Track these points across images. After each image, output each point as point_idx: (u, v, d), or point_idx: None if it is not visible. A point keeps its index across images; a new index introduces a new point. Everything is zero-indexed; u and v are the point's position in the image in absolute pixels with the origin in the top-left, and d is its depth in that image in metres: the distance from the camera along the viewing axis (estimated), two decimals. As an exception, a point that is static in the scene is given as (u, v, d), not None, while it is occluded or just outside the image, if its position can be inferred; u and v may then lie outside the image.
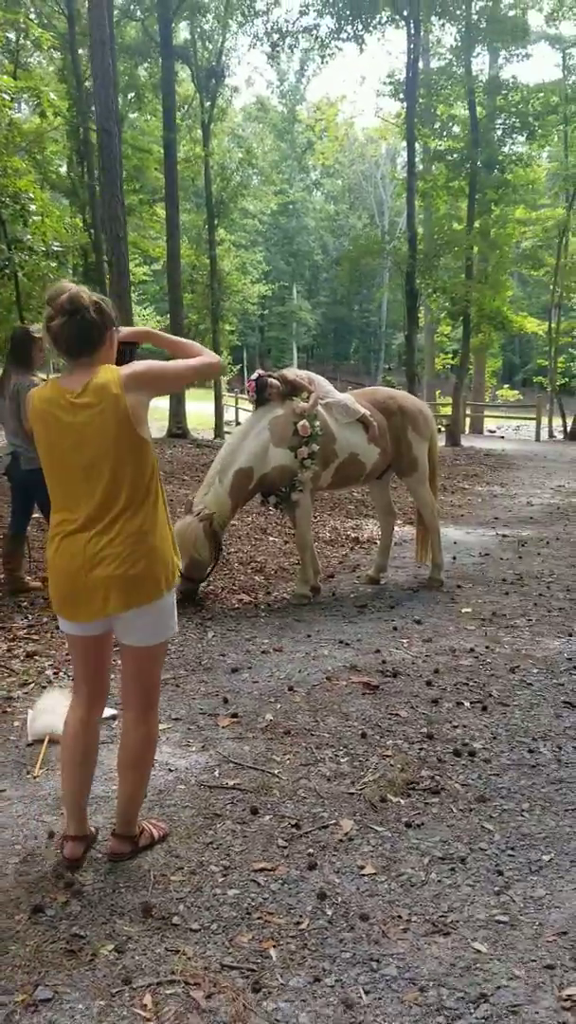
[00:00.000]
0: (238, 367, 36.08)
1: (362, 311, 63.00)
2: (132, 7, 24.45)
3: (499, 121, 22.08)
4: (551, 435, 27.18)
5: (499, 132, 22.36)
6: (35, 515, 6.50)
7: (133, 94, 25.71)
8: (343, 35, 21.25)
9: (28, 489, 6.09)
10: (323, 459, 6.23)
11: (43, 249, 17.76)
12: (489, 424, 32.74)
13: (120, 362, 2.90)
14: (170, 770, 3.67)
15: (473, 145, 20.94)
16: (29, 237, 14.85)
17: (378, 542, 7.44)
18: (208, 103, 25.26)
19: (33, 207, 16.34)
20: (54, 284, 2.84)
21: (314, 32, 21.75)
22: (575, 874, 2.99)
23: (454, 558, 7.99)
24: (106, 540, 2.73)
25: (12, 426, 6.10)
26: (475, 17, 20.76)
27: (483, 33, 21.08)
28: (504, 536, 9.19)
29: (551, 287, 28.76)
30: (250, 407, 6.62)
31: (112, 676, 4.73)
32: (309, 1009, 2.32)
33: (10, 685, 4.68)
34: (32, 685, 4.67)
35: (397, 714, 4.31)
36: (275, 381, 6.19)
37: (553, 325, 28.35)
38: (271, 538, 8.89)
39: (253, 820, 3.28)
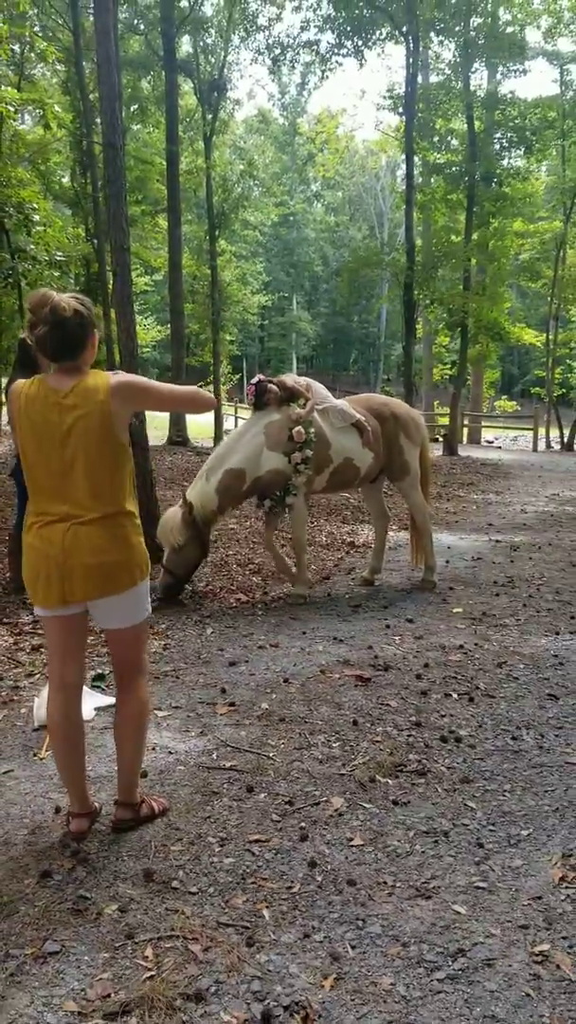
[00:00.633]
0: (238, 376, 36.32)
1: (361, 322, 63.38)
2: (136, 21, 24.78)
3: (497, 135, 22.39)
4: (548, 446, 27.42)
5: (497, 146, 22.66)
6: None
7: (136, 107, 26.06)
8: (343, 50, 21.58)
9: None
10: (318, 464, 6.43)
11: (46, 258, 18.02)
12: (487, 435, 33.00)
13: None
14: (170, 753, 3.85)
15: (471, 159, 21.22)
16: (32, 247, 15.12)
17: (372, 545, 7.62)
18: (210, 116, 25.56)
19: (36, 217, 16.59)
20: (35, 291, 2.99)
21: (315, 47, 22.07)
22: (551, 847, 3.17)
23: (447, 562, 8.18)
24: (84, 532, 2.89)
25: None
26: (473, 34, 21.08)
27: (481, 49, 21.39)
28: (497, 541, 9.38)
29: (549, 299, 29.05)
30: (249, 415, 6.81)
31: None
32: (299, 961, 2.51)
33: (17, 676, 4.87)
34: (38, 675, 4.86)
35: (387, 704, 4.50)
36: (274, 387, 6.40)
37: (551, 336, 28.62)
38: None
39: (249, 797, 3.46)
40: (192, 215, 30.57)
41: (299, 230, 58.75)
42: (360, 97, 76.45)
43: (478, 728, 4.24)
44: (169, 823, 3.24)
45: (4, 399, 6.53)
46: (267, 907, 2.75)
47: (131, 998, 2.31)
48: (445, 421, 24.97)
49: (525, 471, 18.33)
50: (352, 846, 3.13)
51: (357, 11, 20.47)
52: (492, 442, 30.89)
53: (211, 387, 28.13)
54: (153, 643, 5.48)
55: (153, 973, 2.42)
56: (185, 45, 27.12)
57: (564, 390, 38.40)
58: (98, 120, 16.16)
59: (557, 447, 27.14)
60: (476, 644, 5.58)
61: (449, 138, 23.14)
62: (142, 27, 24.82)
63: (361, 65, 22.44)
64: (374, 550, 7.37)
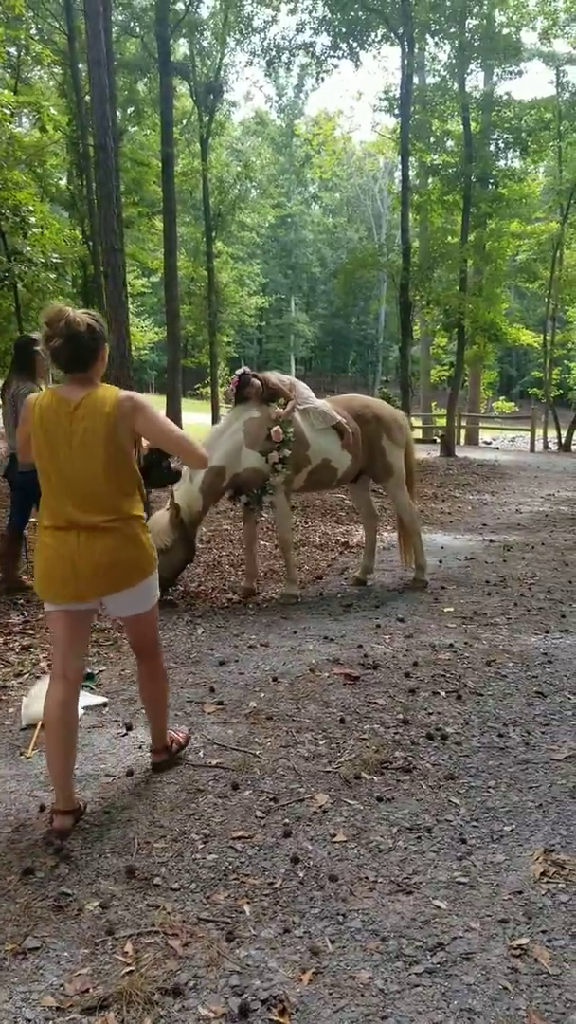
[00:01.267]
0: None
1: (360, 323, 63.45)
2: (132, 24, 24.83)
3: (493, 136, 22.41)
4: (546, 446, 27.47)
5: (493, 147, 22.69)
6: (32, 518, 6.70)
7: (132, 109, 26.12)
8: (339, 52, 21.60)
9: (26, 490, 6.28)
10: (296, 464, 6.44)
11: (42, 261, 18.03)
12: (484, 436, 33.05)
13: (145, 472, 3.58)
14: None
15: (467, 160, 21.24)
16: (29, 249, 15.11)
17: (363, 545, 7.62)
18: (206, 118, 25.65)
19: (33, 219, 16.60)
20: (51, 304, 3.15)
21: (311, 49, 22.09)
22: (533, 843, 3.18)
23: (440, 562, 8.20)
24: (97, 534, 3.11)
25: (12, 430, 6.31)
26: (468, 35, 21.10)
27: (477, 51, 21.42)
28: (491, 541, 9.40)
29: (546, 300, 29.10)
30: None
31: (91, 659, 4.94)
32: (278, 956, 2.52)
33: (5, 675, 4.88)
34: (26, 675, 4.87)
35: (375, 702, 4.51)
36: (257, 382, 6.40)
37: (548, 337, 28.66)
38: (261, 542, 9.09)
39: (234, 795, 3.47)
40: (189, 217, 30.63)
41: (297, 231, 58.85)
42: (357, 99, 76.41)
43: (465, 725, 4.25)
44: (153, 820, 3.26)
45: (1, 401, 6.55)
46: (248, 903, 2.76)
47: (109, 993, 2.33)
48: (443, 422, 25.00)
49: (522, 472, 18.35)
50: (335, 842, 3.14)
51: (352, 13, 20.49)
52: (490, 443, 30.95)
53: (208, 388, 28.22)
54: (143, 643, 5.49)
55: (132, 968, 2.43)
56: (182, 48, 27.19)
57: (562, 391, 38.41)
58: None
59: (555, 448, 27.18)
60: (466, 643, 5.59)
61: (445, 139, 23.15)
62: (138, 30, 24.89)
63: (357, 67, 22.47)
64: (365, 550, 7.38)
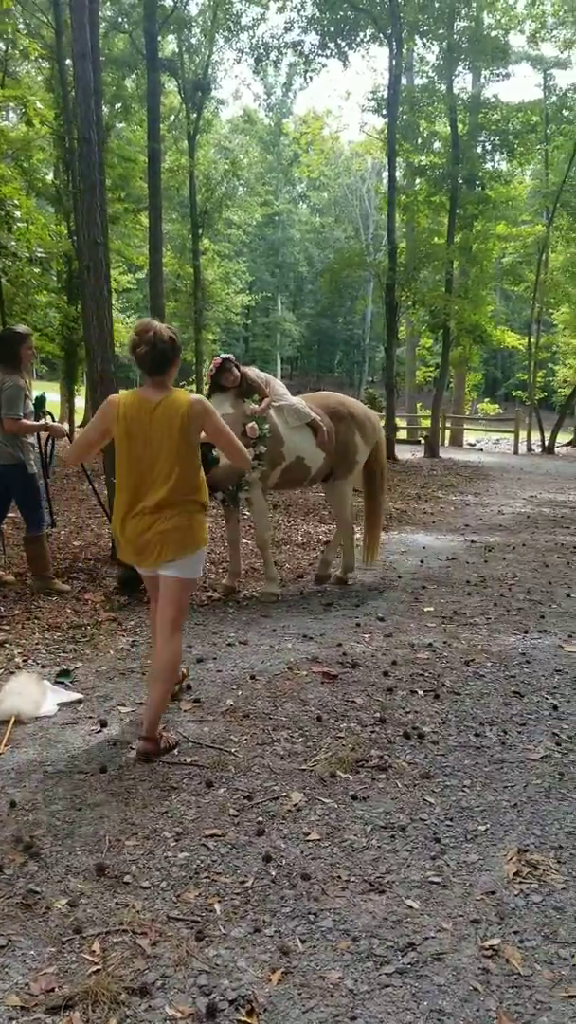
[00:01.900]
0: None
1: (346, 323, 63.46)
2: (120, 20, 24.71)
3: (480, 138, 22.47)
4: (529, 448, 27.56)
5: (480, 149, 22.74)
6: (11, 513, 6.64)
7: (120, 105, 25.99)
8: (327, 51, 21.58)
9: (6, 484, 6.21)
10: (271, 461, 6.41)
11: (27, 255, 17.92)
12: (469, 437, 33.12)
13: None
14: (131, 748, 3.82)
15: (454, 161, 21.29)
16: (14, 243, 15.01)
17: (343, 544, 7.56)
18: (194, 115, 25.57)
19: (18, 213, 16.47)
20: (141, 319, 3.85)
21: (299, 48, 22.06)
22: (508, 842, 3.17)
23: (422, 562, 8.19)
24: (165, 512, 3.72)
25: None
26: (456, 37, 21.14)
27: (465, 53, 21.46)
28: (472, 542, 9.40)
29: (531, 302, 29.22)
30: None
31: (67, 655, 4.89)
32: (248, 955, 2.49)
33: (-20, 671, 4.83)
34: (1, 671, 4.82)
35: (353, 701, 4.49)
36: (237, 372, 6.36)
37: (533, 340, 28.77)
38: (243, 540, 9.05)
39: (207, 792, 3.44)
40: (176, 214, 30.53)
41: (284, 230, 58.81)
42: (345, 99, 76.48)
43: (442, 724, 4.24)
44: (125, 818, 3.22)
45: None
46: (219, 901, 2.74)
47: (75, 992, 2.29)
48: (427, 423, 25.02)
49: (505, 473, 18.40)
50: (308, 841, 3.12)
51: (341, 12, 20.48)
52: (474, 444, 31.01)
53: (193, 387, 28.14)
54: (120, 639, 5.46)
55: (99, 967, 2.40)
56: (170, 44, 27.09)
57: (546, 393, 38.57)
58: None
59: (538, 449, 27.28)
60: (445, 642, 5.58)
61: (433, 141, 23.19)
62: (126, 25, 24.77)
63: (345, 66, 22.49)
64: (344, 549, 7.35)
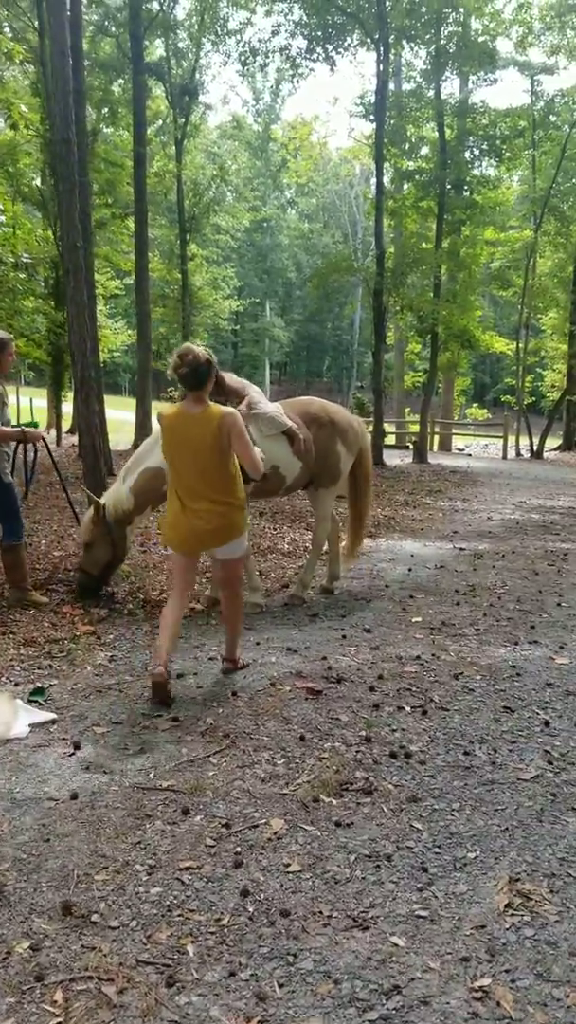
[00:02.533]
0: (209, 382, 36.01)
1: (335, 329, 63.45)
2: (107, 23, 24.58)
3: (468, 143, 22.41)
4: (518, 453, 27.49)
5: (468, 155, 22.68)
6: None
7: (107, 109, 25.83)
8: (314, 56, 21.49)
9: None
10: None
11: (12, 260, 17.75)
12: (458, 442, 33.05)
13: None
14: (104, 772, 3.66)
15: (442, 166, 21.22)
16: (-1, 249, 14.85)
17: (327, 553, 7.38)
18: (182, 120, 25.45)
19: (3, 219, 16.31)
20: (184, 344, 4.63)
21: (286, 52, 21.97)
22: (498, 871, 3.02)
23: (410, 570, 8.05)
24: (209, 507, 4.55)
25: None
26: (444, 42, 21.08)
27: (452, 58, 21.39)
28: (461, 549, 9.27)
29: (519, 307, 29.18)
30: None
31: (42, 671, 4.71)
32: (222, 1002, 2.33)
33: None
34: (-26, 689, 4.64)
35: (337, 718, 4.33)
36: (218, 374, 6.21)
37: (521, 345, 28.72)
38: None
39: (183, 820, 3.28)
40: (164, 219, 30.39)
41: (273, 236, 58.80)
42: (333, 104, 76.57)
43: (430, 743, 4.09)
44: (95, 850, 3.05)
45: None
46: (192, 942, 2.57)
47: (33, 1048, 2.13)
48: (415, 428, 24.92)
49: (494, 478, 18.30)
50: (289, 872, 2.95)
51: (328, 17, 20.40)
52: (463, 450, 30.92)
53: (179, 394, 27.94)
54: (98, 655, 5.29)
55: (60, 1019, 2.23)
56: (158, 50, 26.97)
57: (534, 398, 38.55)
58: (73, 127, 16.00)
59: (527, 455, 27.22)
60: (433, 655, 5.43)
61: (420, 146, 23.13)
62: (113, 29, 24.63)
63: (332, 71, 22.45)
64: (329, 557, 7.20)
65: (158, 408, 6.36)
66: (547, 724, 4.40)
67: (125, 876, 2.90)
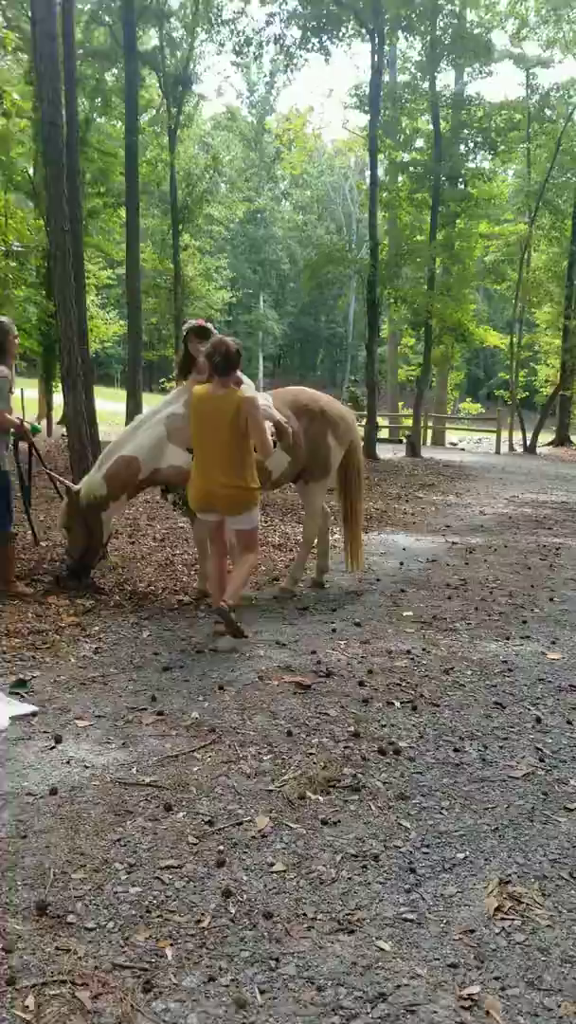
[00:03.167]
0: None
1: (329, 322, 63.28)
2: (100, 12, 24.35)
3: (463, 135, 22.28)
4: (511, 448, 27.41)
5: (463, 147, 22.56)
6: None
7: (100, 99, 25.60)
8: (309, 45, 21.32)
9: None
10: None
11: (3, 249, 17.57)
12: (451, 437, 32.95)
13: None
14: (86, 767, 3.56)
15: (436, 159, 21.09)
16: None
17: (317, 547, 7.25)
18: (175, 109, 25.25)
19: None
20: (216, 336, 5.41)
21: (280, 41, 21.79)
22: (488, 872, 2.94)
23: (401, 564, 7.96)
24: (226, 478, 5.14)
25: None
26: (440, 33, 20.93)
27: (448, 49, 21.25)
28: (453, 543, 9.18)
29: (513, 302, 29.09)
30: None
31: (24, 662, 4.62)
32: (200, 1009, 2.24)
33: None
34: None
35: (326, 713, 4.24)
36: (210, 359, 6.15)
37: (515, 339, 28.64)
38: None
39: (166, 817, 3.18)
40: (157, 209, 30.16)
41: (267, 227, 58.56)
42: (328, 96, 76.28)
43: (419, 739, 4.00)
44: (74, 847, 2.96)
45: None
46: (171, 945, 2.48)
47: (1, 1057, 2.03)
48: (409, 422, 24.81)
49: (486, 473, 18.23)
50: (273, 872, 2.86)
51: (322, 6, 20.23)
52: (456, 444, 30.84)
53: (174, 384, 27.83)
54: (83, 646, 5.18)
55: (31, 1026, 2.14)
56: (152, 40, 26.73)
57: (528, 393, 38.49)
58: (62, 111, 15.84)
59: (520, 449, 27.16)
60: (424, 649, 5.35)
61: (415, 138, 23.00)
62: (107, 18, 24.41)
63: (327, 61, 22.33)
64: (319, 552, 7.09)
65: (151, 399, 6.39)
66: (539, 720, 4.32)
67: (104, 875, 2.80)
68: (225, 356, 5.07)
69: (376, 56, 19.64)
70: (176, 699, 4.39)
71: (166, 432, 6.07)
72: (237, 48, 22.36)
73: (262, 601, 6.48)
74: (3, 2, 19.99)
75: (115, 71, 24.75)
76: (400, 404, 35.20)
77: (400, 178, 24.15)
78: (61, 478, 6.52)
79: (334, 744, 3.89)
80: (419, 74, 22.94)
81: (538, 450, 27.24)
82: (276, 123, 51.41)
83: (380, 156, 20.71)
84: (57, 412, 24.61)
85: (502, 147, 22.35)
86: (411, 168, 22.02)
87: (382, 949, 2.51)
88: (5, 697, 4.23)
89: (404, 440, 24.06)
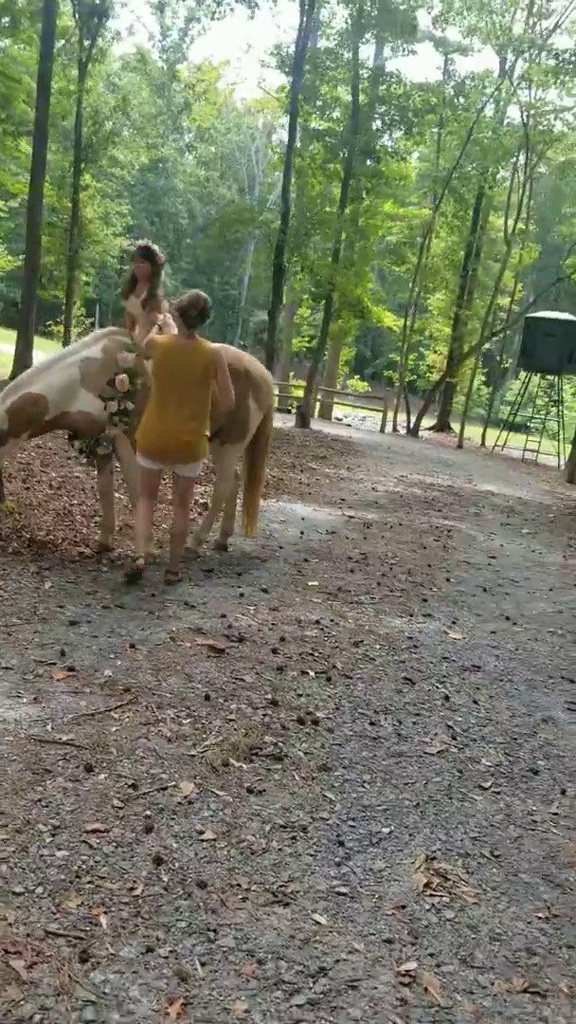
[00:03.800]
0: (90, 321, 34.84)
1: (223, 283, 62.41)
2: None
3: (380, 111, 22.26)
4: (395, 429, 27.87)
5: (379, 122, 22.55)
6: None
7: (8, 19, 24.20)
8: (236, -5, 20.76)
9: None
10: (140, 416, 5.92)
11: None
12: (337, 412, 33.21)
13: None
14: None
15: (352, 130, 21.00)
16: None
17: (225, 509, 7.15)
18: (88, 41, 24.16)
19: None
20: (195, 291, 5.45)
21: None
22: (413, 847, 2.96)
23: (302, 533, 7.95)
24: (187, 425, 5.34)
25: None
26: (367, 5, 20.76)
27: (374, 22, 21.13)
28: (351, 517, 9.25)
29: (411, 285, 29.45)
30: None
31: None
32: (141, 981, 2.15)
33: None
34: None
35: (242, 679, 4.18)
36: (149, 268, 5.97)
37: (408, 322, 29.04)
38: (116, 495, 8.53)
39: (87, 778, 3.05)
40: (57, 144, 28.86)
41: (168, 178, 57.10)
42: (246, 51, 74.76)
43: (335, 711, 4.00)
44: (-8, 806, 2.80)
45: None
46: (105, 913, 2.38)
47: None
48: (299, 392, 24.82)
49: (374, 451, 18.45)
50: (203, 840, 2.79)
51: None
52: (341, 419, 31.08)
53: (61, 327, 26.84)
54: None
55: (-37, 997, 2.00)
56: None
57: (415, 376, 39.20)
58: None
59: (403, 431, 27.65)
60: (332, 620, 5.35)
61: (333, 107, 22.82)
62: None
63: (252, 16, 21.76)
64: (226, 514, 6.97)
65: (38, 343, 6.18)
66: (447, 699, 4.39)
67: (27, 836, 2.66)
68: (201, 312, 5.32)
69: (305, 18, 19.32)
70: (86, 655, 4.22)
71: (80, 375, 5.78)
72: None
73: (166, 559, 6.33)
74: None
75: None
76: (291, 374, 35.21)
77: (312, 146, 23.94)
78: None
79: (253, 711, 3.83)
80: (341, 42, 22.69)
81: (420, 433, 27.80)
82: (187, 72, 50.01)
83: (298, 120, 20.43)
84: None
85: (416, 129, 22.45)
86: (326, 137, 21.84)
87: (318, 923, 2.49)
88: None
89: (293, 410, 24.07)
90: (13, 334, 18.71)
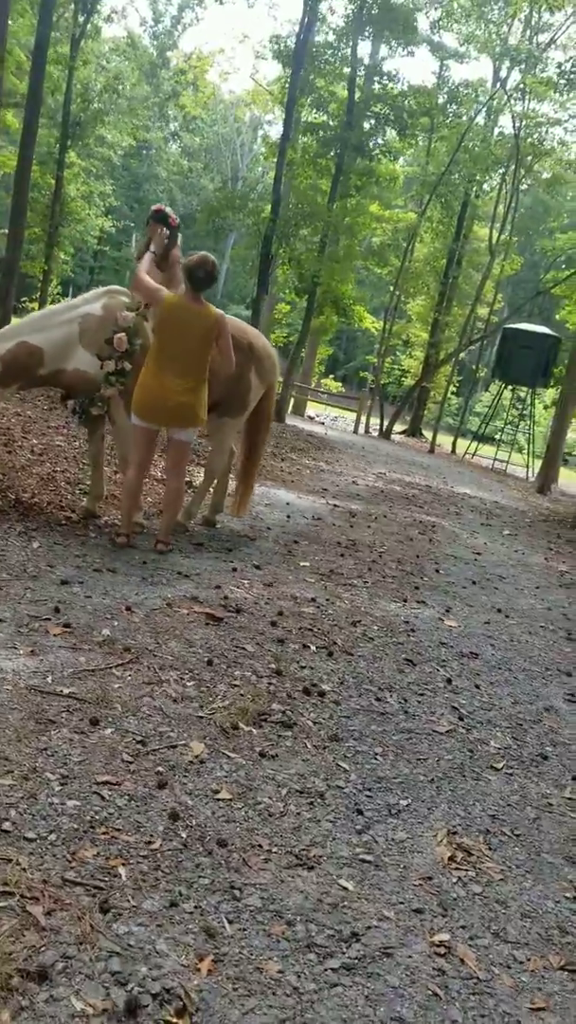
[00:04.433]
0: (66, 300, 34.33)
1: (199, 276, 62.03)
2: None
3: (375, 109, 22.20)
4: (367, 430, 27.86)
5: (373, 121, 22.49)
6: None
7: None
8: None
9: None
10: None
11: None
12: (309, 410, 33.12)
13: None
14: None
15: (346, 126, 20.91)
16: None
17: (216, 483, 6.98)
18: (82, 17, 23.83)
19: None
20: (203, 253, 5.21)
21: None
22: (433, 821, 2.84)
23: (288, 517, 7.81)
24: (186, 386, 5.17)
25: None
26: (370, 2, 20.70)
27: (374, 20, 21.07)
28: (335, 506, 9.13)
29: (392, 289, 29.48)
30: None
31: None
32: (167, 935, 2.01)
33: None
34: None
35: (243, 648, 4.03)
36: (166, 231, 5.78)
37: (387, 325, 29.05)
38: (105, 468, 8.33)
39: (93, 731, 2.89)
40: (46, 120, 28.41)
41: (151, 166, 56.69)
42: (240, 41, 74.54)
43: (340, 684, 3.87)
44: (-4, 751, 2.62)
45: None
46: (123, 864, 2.23)
47: (-48, 974, 1.73)
48: (277, 387, 24.72)
49: (349, 449, 18.37)
50: (219, 799, 2.65)
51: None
52: (314, 418, 31.00)
53: (36, 305, 26.39)
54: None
55: (-19, 941, 1.84)
56: None
57: (389, 380, 39.25)
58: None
59: (375, 433, 27.64)
60: (328, 599, 5.22)
61: (329, 101, 22.71)
62: None
63: (252, 3, 21.58)
64: (217, 489, 6.81)
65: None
66: (449, 681, 4.29)
67: (35, 783, 2.50)
68: (209, 274, 5.18)
69: (309, 9, 19.20)
70: (81, 615, 4.04)
71: (79, 332, 5.57)
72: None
73: (153, 530, 6.15)
74: None
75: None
76: (266, 368, 34.99)
77: (303, 139, 23.81)
78: None
79: (257, 679, 3.69)
80: (340, 39, 22.61)
81: (392, 436, 27.81)
82: (177, 60, 49.64)
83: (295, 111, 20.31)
84: None
85: (410, 131, 22.44)
86: (320, 132, 21.72)
87: (345, 888, 2.36)
88: None
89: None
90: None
